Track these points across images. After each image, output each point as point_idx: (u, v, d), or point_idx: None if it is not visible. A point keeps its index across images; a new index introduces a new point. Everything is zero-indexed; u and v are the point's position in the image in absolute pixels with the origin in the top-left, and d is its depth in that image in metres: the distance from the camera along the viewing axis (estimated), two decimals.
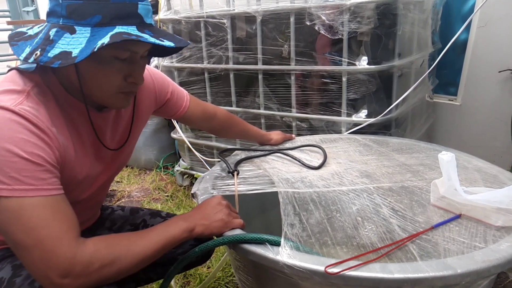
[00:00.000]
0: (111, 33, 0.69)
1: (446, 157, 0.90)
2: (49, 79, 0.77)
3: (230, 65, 1.93)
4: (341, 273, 0.68)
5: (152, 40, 0.71)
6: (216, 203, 0.90)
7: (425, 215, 0.93)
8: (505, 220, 0.83)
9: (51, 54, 0.69)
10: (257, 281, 0.93)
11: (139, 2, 0.73)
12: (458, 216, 0.90)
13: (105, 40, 0.67)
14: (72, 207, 0.73)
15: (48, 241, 0.65)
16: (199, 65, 2.05)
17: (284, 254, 0.74)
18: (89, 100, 0.82)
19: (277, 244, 0.77)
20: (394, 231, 0.86)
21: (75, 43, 0.69)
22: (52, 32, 0.71)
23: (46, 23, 0.75)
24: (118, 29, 0.70)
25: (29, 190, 0.66)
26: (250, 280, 0.96)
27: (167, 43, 0.73)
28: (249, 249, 0.79)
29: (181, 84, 2.19)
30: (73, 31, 0.70)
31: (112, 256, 0.70)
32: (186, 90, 1.18)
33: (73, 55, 0.68)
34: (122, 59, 0.75)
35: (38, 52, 0.71)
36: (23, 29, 0.80)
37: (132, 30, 0.71)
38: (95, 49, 0.66)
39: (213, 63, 2.00)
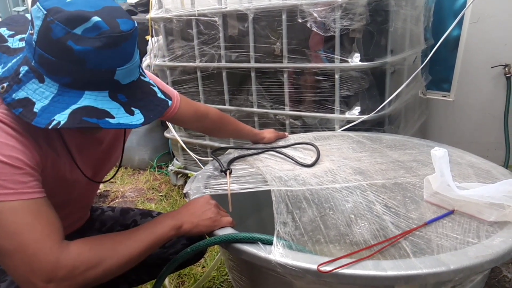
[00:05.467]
0: (73, 106, 0.65)
1: (439, 153, 0.90)
2: None
3: (223, 64, 1.91)
4: (334, 271, 0.67)
5: (115, 122, 0.66)
6: (204, 202, 0.90)
7: (418, 212, 0.93)
8: (498, 215, 0.83)
9: (16, 96, 0.66)
10: (250, 281, 0.93)
11: (117, 68, 0.68)
12: (451, 212, 0.89)
13: (62, 119, 0.63)
14: (58, 210, 0.71)
15: (30, 246, 0.63)
16: (191, 64, 2.04)
17: (277, 253, 0.74)
18: None
19: (270, 243, 0.77)
20: (387, 228, 0.86)
21: (41, 95, 0.66)
22: (23, 71, 0.67)
23: (23, 47, 0.71)
24: (85, 98, 0.66)
25: (8, 194, 0.64)
26: (244, 279, 0.95)
27: (134, 120, 0.68)
28: (241, 248, 0.79)
29: (174, 83, 2.17)
30: (42, 80, 0.66)
31: (96, 258, 0.69)
32: (179, 89, 1.17)
33: (34, 109, 0.65)
34: None
35: (5, 86, 0.67)
36: (6, 32, 0.76)
37: (102, 97, 0.67)
38: (50, 127, 0.63)
39: (206, 62, 1.98)
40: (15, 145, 0.67)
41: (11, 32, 0.77)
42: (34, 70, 0.67)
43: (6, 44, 0.74)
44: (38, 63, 0.66)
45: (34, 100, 0.65)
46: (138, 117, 0.69)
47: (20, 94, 0.66)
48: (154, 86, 0.78)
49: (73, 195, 0.88)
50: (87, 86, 0.67)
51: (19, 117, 0.68)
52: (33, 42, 0.66)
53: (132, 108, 0.70)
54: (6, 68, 0.70)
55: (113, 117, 0.66)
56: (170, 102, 0.77)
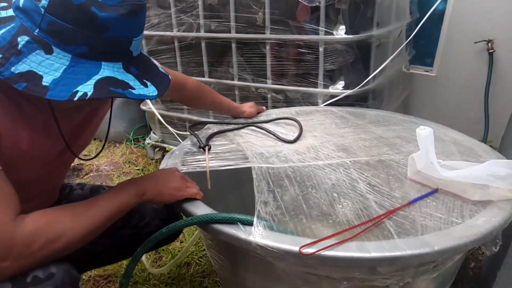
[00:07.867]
0: (95, 77, 0.61)
1: (424, 132, 0.88)
2: None
3: (202, 33, 1.82)
4: (316, 253, 0.65)
5: (137, 93, 0.65)
6: (170, 172, 0.88)
7: (402, 190, 0.91)
8: (482, 194, 0.82)
9: (16, 69, 0.59)
10: (230, 261, 0.90)
11: (134, 39, 0.67)
12: (435, 191, 0.88)
13: (88, 90, 0.60)
14: (23, 189, 0.67)
15: None
16: (168, 33, 1.94)
17: (257, 234, 0.71)
18: None
19: (250, 223, 0.73)
20: (371, 207, 0.84)
21: (49, 68, 0.60)
22: (22, 41, 0.60)
23: (14, 16, 0.63)
24: (104, 69, 0.63)
25: None
26: (222, 258, 0.92)
27: (149, 92, 0.67)
28: (220, 229, 0.75)
29: (150, 53, 2.07)
30: (49, 51, 0.61)
31: (56, 231, 0.65)
32: (155, 59, 1.09)
33: (43, 83, 0.59)
34: None
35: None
36: None
37: (118, 68, 0.65)
38: (75, 99, 0.59)
39: (184, 31, 1.89)
40: None
41: None
42: (38, 40, 0.61)
43: None
44: (45, 31, 0.60)
45: (40, 73, 0.60)
46: (151, 89, 0.68)
47: (21, 67, 0.60)
48: (152, 59, 0.79)
49: (38, 174, 0.81)
50: (103, 57, 0.64)
51: None
52: (41, 9, 0.60)
53: (144, 80, 0.69)
54: None
55: (133, 88, 0.65)
56: (170, 76, 0.76)
